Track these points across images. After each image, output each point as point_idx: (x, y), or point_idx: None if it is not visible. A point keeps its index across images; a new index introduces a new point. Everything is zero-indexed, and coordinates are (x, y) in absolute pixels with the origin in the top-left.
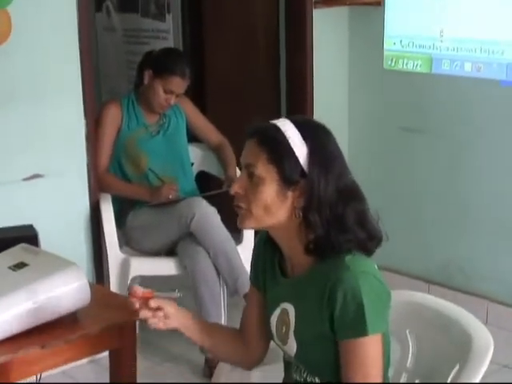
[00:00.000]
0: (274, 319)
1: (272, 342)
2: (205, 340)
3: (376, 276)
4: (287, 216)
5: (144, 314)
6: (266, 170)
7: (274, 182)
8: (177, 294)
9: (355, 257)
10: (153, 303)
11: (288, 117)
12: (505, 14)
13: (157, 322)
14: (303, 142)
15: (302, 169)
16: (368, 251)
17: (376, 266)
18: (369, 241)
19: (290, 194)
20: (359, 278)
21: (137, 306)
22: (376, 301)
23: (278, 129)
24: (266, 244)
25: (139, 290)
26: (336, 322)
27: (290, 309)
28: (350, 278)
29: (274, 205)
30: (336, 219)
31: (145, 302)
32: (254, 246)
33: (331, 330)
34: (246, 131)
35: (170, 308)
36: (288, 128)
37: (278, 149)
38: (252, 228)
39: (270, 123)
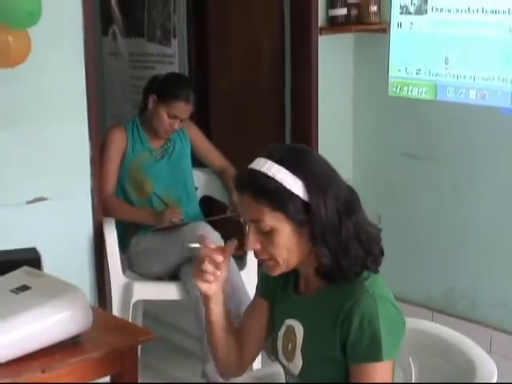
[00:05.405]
0: (280, 335)
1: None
2: (219, 326)
3: (393, 303)
4: (309, 248)
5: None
6: (274, 220)
7: (286, 225)
8: None
9: (374, 281)
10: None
11: (266, 154)
12: (509, 42)
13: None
14: (295, 177)
15: (306, 202)
16: (369, 269)
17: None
18: (367, 258)
19: (303, 229)
20: (377, 302)
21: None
22: (392, 327)
23: (267, 176)
24: None
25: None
26: (349, 345)
27: (297, 326)
28: (369, 301)
29: (294, 244)
30: (341, 243)
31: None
32: None
33: (342, 352)
34: (233, 183)
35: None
36: (276, 171)
37: (278, 197)
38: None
39: (256, 172)
